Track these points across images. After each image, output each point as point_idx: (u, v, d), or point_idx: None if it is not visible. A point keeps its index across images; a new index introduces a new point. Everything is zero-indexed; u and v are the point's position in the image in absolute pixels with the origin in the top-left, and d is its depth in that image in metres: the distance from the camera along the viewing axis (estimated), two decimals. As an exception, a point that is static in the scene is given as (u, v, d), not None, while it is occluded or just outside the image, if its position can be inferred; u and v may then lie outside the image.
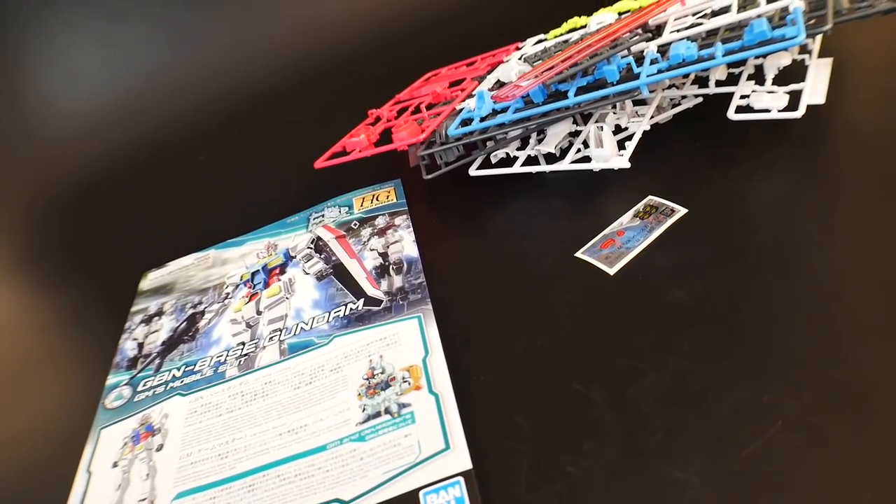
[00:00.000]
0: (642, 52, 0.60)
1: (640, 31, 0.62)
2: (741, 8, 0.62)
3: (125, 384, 0.62)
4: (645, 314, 0.51)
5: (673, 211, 0.58)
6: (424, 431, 0.48)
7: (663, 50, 0.61)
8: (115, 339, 0.68)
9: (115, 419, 0.59)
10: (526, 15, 1.07)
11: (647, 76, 0.57)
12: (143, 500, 0.51)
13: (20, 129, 1.09)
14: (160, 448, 0.55)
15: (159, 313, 0.69)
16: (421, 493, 0.44)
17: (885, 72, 0.64)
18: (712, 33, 0.61)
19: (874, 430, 0.40)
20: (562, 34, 0.81)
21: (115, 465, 0.54)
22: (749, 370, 0.45)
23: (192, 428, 0.55)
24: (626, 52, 0.61)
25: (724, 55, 0.55)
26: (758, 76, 0.63)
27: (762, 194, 0.57)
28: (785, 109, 0.58)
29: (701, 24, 0.62)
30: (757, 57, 0.61)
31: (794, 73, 0.63)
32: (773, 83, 0.61)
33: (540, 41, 0.84)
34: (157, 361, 0.63)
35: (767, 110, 0.58)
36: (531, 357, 0.51)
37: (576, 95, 0.60)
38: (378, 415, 0.50)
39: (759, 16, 0.58)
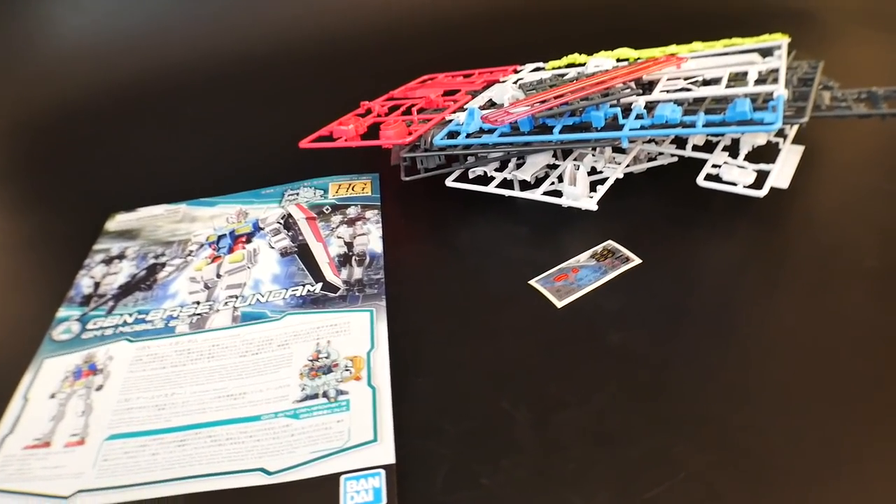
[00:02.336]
0: (630, 104, 0.63)
1: (632, 84, 0.65)
2: (730, 82, 0.65)
3: (75, 319, 0.63)
4: (581, 351, 0.54)
5: (628, 259, 0.61)
6: (356, 420, 0.50)
7: (650, 106, 0.65)
8: (72, 273, 0.69)
9: (59, 351, 0.60)
10: (530, 41, 1.10)
11: (630, 129, 0.60)
12: (76, 435, 0.52)
13: (13, 48, 1.09)
14: (100, 388, 0.56)
15: (121, 257, 0.71)
16: (342, 478, 0.46)
17: (849, 170, 0.68)
18: (699, 101, 0.65)
19: (767, 499, 0.43)
20: (559, 67, 0.84)
21: (52, 396, 0.56)
22: (665, 421, 0.48)
23: (135, 375, 0.57)
24: (615, 102, 0.64)
25: (704, 125, 0.59)
26: (733, 148, 0.67)
27: (712, 261, 0.61)
28: (751, 186, 0.62)
29: (690, 90, 0.66)
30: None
31: (766, 153, 0.66)
32: (746, 158, 0.65)
33: (537, 69, 0.86)
34: (110, 304, 0.65)
35: (734, 184, 0.62)
36: (469, 370, 0.54)
37: (561, 132, 0.63)
38: (315, 396, 0.53)
39: (745, 95, 0.62)
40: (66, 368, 0.58)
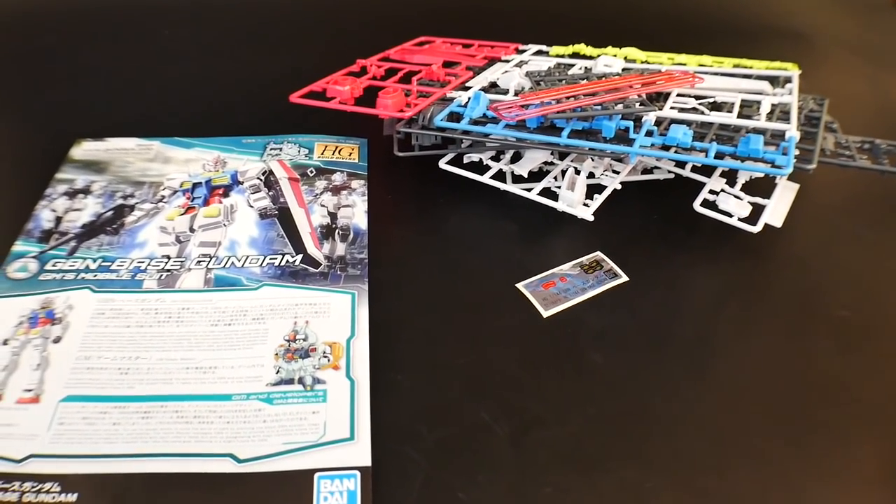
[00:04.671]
0: (641, 117, 0.62)
1: (645, 96, 0.64)
2: (742, 109, 0.65)
3: (33, 257, 0.59)
4: (563, 367, 0.54)
5: (616, 275, 0.61)
6: (333, 414, 0.49)
7: (660, 120, 0.64)
8: (31, 202, 0.64)
9: (14, 292, 0.56)
10: (529, 16, 1.07)
11: (640, 146, 0.59)
12: (30, 390, 0.49)
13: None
14: (58, 340, 0.53)
15: (86, 191, 0.66)
16: (316, 475, 0.45)
17: (835, 213, 0.69)
18: (708, 125, 0.64)
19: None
20: (564, 56, 0.82)
21: (5, 342, 0.52)
22: (640, 453, 0.49)
23: (97, 330, 0.54)
24: (630, 114, 0.62)
25: (714, 155, 0.58)
26: (730, 175, 0.67)
27: (697, 287, 0.61)
28: (745, 220, 0.62)
29: (701, 111, 0.65)
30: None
31: (762, 185, 0.66)
32: (742, 188, 0.65)
33: (540, 52, 0.84)
34: (72, 244, 0.61)
35: (730, 215, 0.62)
36: (449, 372, 0.53)
37: (569, 137, 0.61)
38: (291, 381, 0.51)
39: (755, 129, 0.61)
40: (21, 312, 0.55)
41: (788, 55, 0.85)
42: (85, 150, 0.71)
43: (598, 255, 0.63)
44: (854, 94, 0.92)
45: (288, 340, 0.54)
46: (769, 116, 0.64)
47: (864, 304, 0.61)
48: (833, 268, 0.64)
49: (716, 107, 0.68)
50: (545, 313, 0.58)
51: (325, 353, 0.53)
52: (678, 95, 0.68)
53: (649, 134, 0.61)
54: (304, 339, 0.54)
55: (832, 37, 1.10)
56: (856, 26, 1.14)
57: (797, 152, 0.61)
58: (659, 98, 0.67)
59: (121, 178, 0.68)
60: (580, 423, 0.51)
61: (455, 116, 0.67)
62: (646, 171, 0.71)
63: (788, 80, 0.72)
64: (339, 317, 0.56)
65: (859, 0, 1.21)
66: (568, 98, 0.62)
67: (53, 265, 0.59)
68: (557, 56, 0.81)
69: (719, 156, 0.59)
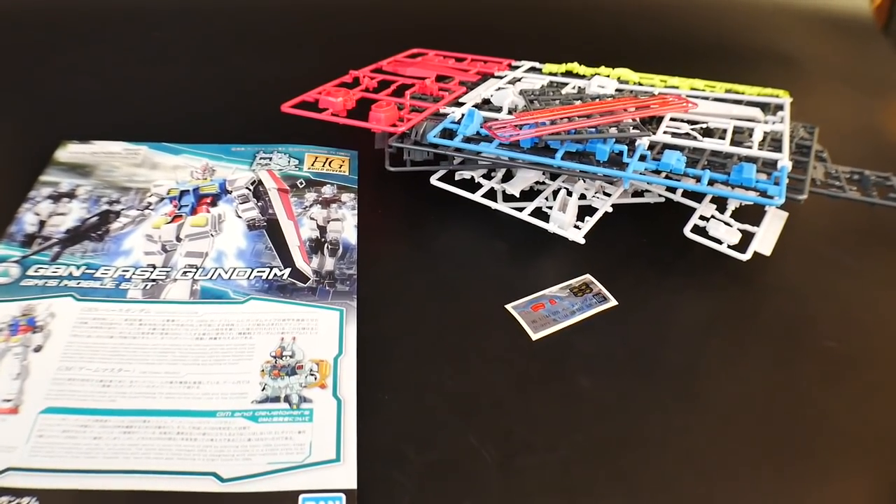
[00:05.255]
0: (635, 141, 0.62)
1: (640, 120, 0.64)
2: (735, 135, 0.65)
3: (14, 261, 0.58)
4: (552, 391, 0.54)
5: (605, 298, 0.61)
6: (319, 434, 0.48)
7: (653, 145, 0.64)
8: (13, 204, 0.63)
9: (-6, 297, 0.55)
10: (522, 32, 1.07)
11: (634, 171, 0.59)
12: (9, 401, 0.48)
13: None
14: (39, 349, 0.52)
15: (71, 195, 0.65)
16: (301, 497, 0.45)
17: (820, 240, 0.70)
18: (700, 150, 0.64)
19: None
20: (558, 74, 0.82)
21: (-17, 350, 0.51)
22: (628, 480, 0.49)
23: (79, 340, 0.53)
24: (624, 139, 0.62)
25: (708, 183, 0.58)
26: (720, 201, 0.67)
27: (685, 313, 0.61)
28: (734, 247, 0.62)
29: (694, 136, 0.65)
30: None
31: (751, 211, 0.66)
32: (732, 214, 0.65)
33: (533, 69, 0.84)
34: (56, 249, 0.59)
35: (720, 242, 0.62)
36: (437, 393, 0.53)
37: (563, 158, 0.61)
38: (277, 399, 0.50)
39: (748, 157, 0.62)
40: (1, 319, 0.53)
41: (778, 79, 0.86)
42: (70, 152, 0.70)
43: (588, 277, 0.63)
44: (841, 121, 0.93)
45: (274, 357, 0.53)
46: (761, 144, 0.64)
47: (849, 335, 0.61)
48: (820, 297, 0.64)
49: (707, 132, 0.68)
50: (534, 336, 0.57)
51: (312, 370, 0.52)
52: (671, 119, 0.68)
53: (642, 158, 0.61)
54: (291, 356, 0.53)
55: (820, 61, 1.11)
56: (844, 51, 1.16)
57: (788, 181, 0.61)
58: (652, 122, 0.68)
59: (107, 182, 0.67)
60: (568, 448, 0.50)
61: (448, 133, 0.66)
62: (636, 193, 0.71)
63: (780, 107, 0.72)
64: (327, 334, 0.55)
65: (847, 25, 1.22)
66: (563, 119, 0.62)
67: (36, 271, 0.57)
68: (550, 74, 0.81)
69: (711, 183, 0.59)
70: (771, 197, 0.56)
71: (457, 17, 1.10)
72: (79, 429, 0.47)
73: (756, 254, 0.62)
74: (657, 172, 0.61)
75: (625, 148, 0.61)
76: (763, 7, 1.21)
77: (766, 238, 0.63)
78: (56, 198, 0.64)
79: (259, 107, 0.78)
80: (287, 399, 0.50)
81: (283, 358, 0.53)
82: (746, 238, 0.63)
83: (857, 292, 0.65)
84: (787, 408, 0.55)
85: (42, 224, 0.62)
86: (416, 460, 0.48)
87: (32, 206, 0.63)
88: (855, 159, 0.75)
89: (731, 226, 0.63)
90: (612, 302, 0.61)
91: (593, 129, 0.62)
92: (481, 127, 0.64)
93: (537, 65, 0.85)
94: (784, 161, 0.59)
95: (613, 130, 0.62)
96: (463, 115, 0.67)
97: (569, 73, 0.82)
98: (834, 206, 0.69)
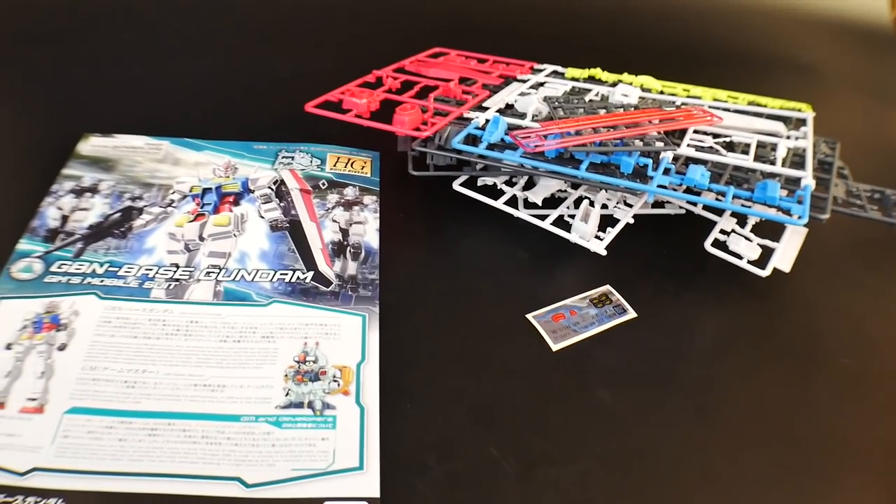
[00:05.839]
0: (659, 153, 0.62)
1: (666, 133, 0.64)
2: (758, 149, 0.65)
3: (38, 256, 0.58)
4: (572, 403, 0.54)
5: (624, 310, 0.61)
6: (342, 442, 0.49)
7: (676, 157, 0.64)
8: (36, 197, 0.63)
9: (18, 293, 0.55)
10: (542, 33, 1.07)
11: (658, 185, 0.59)
12: (34, 399, 0.48)
13: None
14: (63, 348, 0.52)
15: (93, 190, 0.65)
16: (324, 504, 0.45)
17: (839, 257, 0.70)
18: (723, 165, 0.64)
19: None
20: (581, 79, 0.81)
21: (9, 346, 0.51)
22: (644, 496, 0.49)
23: (103, 339, 0.53)
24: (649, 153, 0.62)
25: (732, 200, 0.58)
26: (741, 214, 0.67)
27: (704, 327, 0.62)
28: (754, 263, 0.62)
29: (717, 150, 0.65)
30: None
31: (770, 225, 0.66)
32: (752, 229, 0.65)
33: (556, 73, 0.84)
34: (79, 245, 0.60)
35: (740, 257, 0.62)
36: (459, 403, 0.53)
37: (587, 170, 0.61)
38: (301, 405, 0.50)
39: (772, 174, 0.62)
40: (26, 316, 0.53)
41: (796, 87, 0.86)
42: (92, 145, 0.70)
43: (608, 288, 0.63)
44: (861, 134, 0.93)
45: (298, 362, 0.53)
46: (783, 161, 0.64)
47: (865, 353, 0.62)
48: (837, 314, 0.65)
49: (729, 145, 0.68)
50: (554, 346, 0.58)
51: (335, 376, 0.52)
52: (694, 132, 0.68)
53: (666, 172, 0.61)
54: (314, 362, 0.53)
55: (839, 70, 1.11)
56: (862, 60, 1.16)
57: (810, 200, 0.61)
58: (675, 133, 0.67)
59: (129, 178, 0.67)
60: (587, 461, 0.51)
61: (472, 138, 0.66)
62: (657, 204, 0.71)
63: (802, 121, 0.72)
64: (350, 340, 0.55)
65: (866, 34, 1.22)
66: (588, 130, 0.62)
67: (59, 267, 0.57)
68: (573, 79, 0.81)
69: (736, 199, 0.59)
70: (796, 217, 0.56)
71: (476, 15, 1.10)
72: (104, 430, 0.47)
73: (775, 269, 0.62)
74: (680, 186, 0.61)
75: (650, 161, 0.61)
76: (782, 15, 1.21)
77: (785, 254, 0.63)
78: (79, 192, 0.64)
79: (280, 103, 0.78)
80: (311, 405, 0.50)
81: (307, 363, 0.53)
82: (766, 252, 0.63)
83: (874, 311, 0.65)
84: (802, 424, 0.55)
85: (65, 219, 0.62)
86: (437, 469, 0.49)
87: (55, 199, 0.63)
88: (875, 173, 0.76)
89: (751, 240, 0.64)
90: (632, 314, 0.61)
91: (619, 142, 0.62)
92: (506, 134, 0.64)
93: (560, 69, 0.84)
94: (808, 180, 0.59)
95: (639, 143, 0.62)
96: (487, 120, 0.67)
97: (592, 79, 0.82)
98: (853, 223, 0.70)
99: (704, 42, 1.14)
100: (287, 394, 0.51)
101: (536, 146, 0.61)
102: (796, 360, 0.60)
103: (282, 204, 0.66)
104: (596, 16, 1.15)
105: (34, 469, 0.45)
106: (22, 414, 0.48)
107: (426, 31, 0.97)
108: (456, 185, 0.69)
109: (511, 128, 0.66)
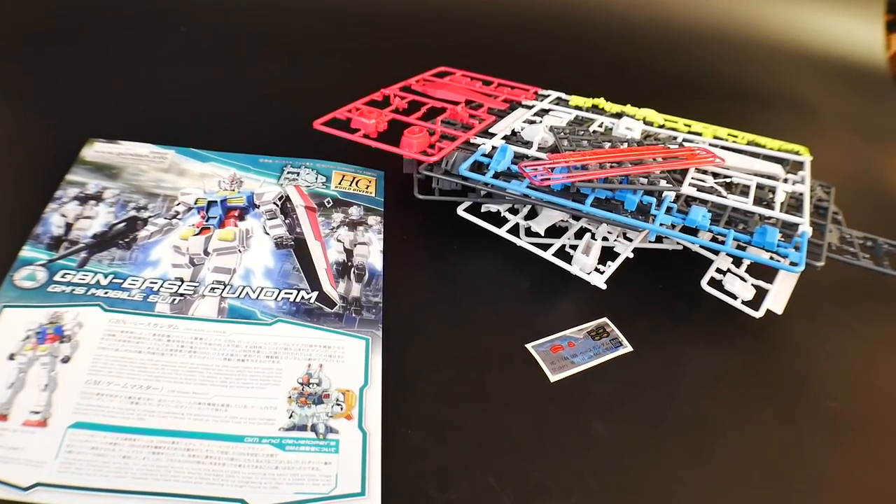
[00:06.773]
0: (662, 192, 0.64)
1: (669, 172, 0.65)
2: (758, 191, 0.67)
3: (41, 265, 0.58)
4: (568, 435, 0.55)
5: (621, 344, 0.62)
6: (345, 466, 0.49)
7: (679, 196, 0.65)
8: (39, 203, 0.63)
9: (21, 301, 0.55)
10: (545, 57, 1.08)
11: (661, 224, 0.61)
12: (36, 413, 0.48)
13: None
14: (66, 360, 0.52)
15: (98, 197, 0.65)
16: (326, 531, 0.46)
17: (828, 301, 0.72)
18: (723, 206, 0.66)
19: None
20: (584, 108, 0.83)
21: (11, 357, 0.51)
22: (639, 534, 0.50)
23: (107, 353, 0.53)
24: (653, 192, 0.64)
25: (732, 243, 0.60)
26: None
27: (697, 364, 0.63)
28: (748, 303, 0.64)
29: (718, 191, 0.67)
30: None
31: (765, 266, 0.68)
32: (747, 269, 0.67)
33: (560, 100, 0.85)
34: (83, 255, 0.59)
35: (735, 297, 0.64)
36: (458, 432, 0.54)
37: (591, 205, 0.62)
38: (304, 428, 0.51)
39: (770, 218, 0.63)
40: (29, 326, 0.53)
41: (792, 125, 0.88)
42: (97, 151, 0.70)
43: (605, 321, 0.64)
44: (853, 176, 0.96)
45: (301, 384, 0.54)
46: (782, 206, 0.66)
47: (852, 397, 0.63)
48: (826, 357, 0.66)
49: (729, 186, 0.69)
50: (552, 378, 0.59)
51: (338, 400, 0.53)
52: (697, 170, 0.69)
53: (668, 211, 0.63)
54: (318, 384, 0.54)
55: (834, 109, 1.14)
56: (857, 101, 1.18)
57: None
58: (677, 171, 0.69)
59: (134, 187, 0.67)
60: (582, 495, 0.52)
61: (478, 165, 0.67)
62: (656, 239, 0.73)
63: (799, 164, 0.74)
64: (353, 363, 0.56)
65: (861, 74, 1.25)
66: (594, 165, 0.63)
67: (63, 276, 0.57)
68: (577, 108, 0.82)
69: (736, 243, 0.61)
70: (793, 264, 0.58)
71: (482, 35, 1.11)
72: (108, 446, 0.47)
73: (770, 313, 0.63)
74: (683, 229, 0.63)
75: (653, 200, 0.62)
76: (780, 52, 1.23)
77: (778, 296, 0.65)
78: (83, 199, 0.64)
79: (286, 117, 0.79)
80: (314, 428, 0.51)
81: (311, 385, 0.53)
82: (759, 293, 0.65)
83: (863, 356, 0.67)
84: (789, 467, 0.57)
85: (69, 227, 0.61)
86: (437, 499, 0.49)
87: (59, 206, 0.63)
88: (867, 218, 0.78)
89: (745, 281, 0.65)
90: (628, 348, 0.62)
91: (623, 179, 0.63)
92: (512, 163, 0.65)
93: (564, 96, 0.86)
94: (805, 227, 0.61)
95: (643, 181, 0.63)
96: (494, 147, 0.68)
97: (595, 108, 0.83)
98: (844, 267, 0.71)
99: (705, 73, 1.16)
100: (290, 416, 0.51)
101: (543, 179, 0.62)
102: (785, 401, 0.62)
103: (287, 221, 0.66)
104: (599, 41, 1.16)
105: (38, 484, 0.45)
106: (25, 427, 0.47)
107: (432, 49, 0.97)
108: (460, 211, 0.69)
109: (517, 156, 0.67)
